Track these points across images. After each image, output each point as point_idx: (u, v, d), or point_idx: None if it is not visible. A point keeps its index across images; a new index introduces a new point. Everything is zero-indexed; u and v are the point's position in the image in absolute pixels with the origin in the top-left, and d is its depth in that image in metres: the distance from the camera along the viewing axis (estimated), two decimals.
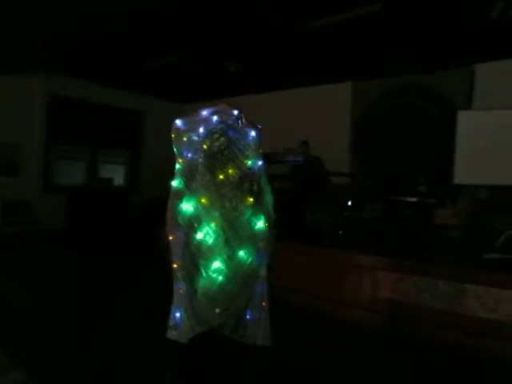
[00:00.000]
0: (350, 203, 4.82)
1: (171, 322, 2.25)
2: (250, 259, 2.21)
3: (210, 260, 2.13)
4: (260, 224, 2.24)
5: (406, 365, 3.04)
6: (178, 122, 2.27)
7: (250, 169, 2.25)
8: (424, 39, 5.47)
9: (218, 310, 2.16)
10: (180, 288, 2.21)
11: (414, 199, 5.52)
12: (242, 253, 2.21)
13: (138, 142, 9.62)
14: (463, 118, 5.27)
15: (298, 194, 5.09)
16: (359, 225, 4.75)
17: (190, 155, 2.22)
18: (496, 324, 3.15)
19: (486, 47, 5.61)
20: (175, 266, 2.22)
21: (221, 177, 2.18)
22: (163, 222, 6.60)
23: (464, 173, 5.17)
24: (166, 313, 2.23)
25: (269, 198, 2.30)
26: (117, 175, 9.38)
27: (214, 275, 2.14)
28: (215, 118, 2.21)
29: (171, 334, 2.25)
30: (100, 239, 7.48)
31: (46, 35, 5.85)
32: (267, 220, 2.26)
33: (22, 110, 7.70)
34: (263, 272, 2.27)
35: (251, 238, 2.21)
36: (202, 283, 2.15)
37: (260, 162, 2.30)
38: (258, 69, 6.97)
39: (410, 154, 6.50)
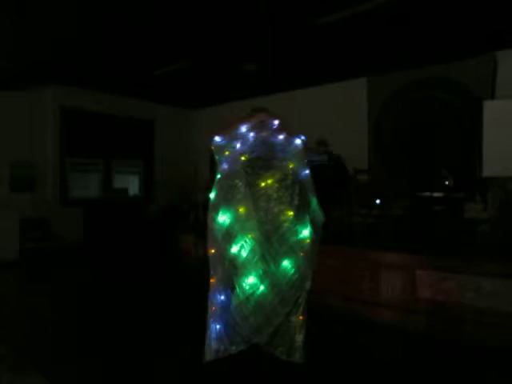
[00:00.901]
0: (378, 201, 4.67)
1: (209, 341, 2.14)
2: (293, 269, 2.10)
3: (244, 275, 2.03)
4: (305, 232, 2.14)
5: (448, 369, 2.89)
6: (218, 138, 2.20)
7: (293, 179, 2.15)
8: (439, 29, 5.31)
9: (254, 327, 2.04)
10: (218, 303, 2.10)
11: (440, 194, 5.37)
12: (286, 263, 2.10)
13: (150, 151, 9.57)
14: (489, 108, 5.11)
15: (323, 194, 4.94)
16: (389, 223, 4.60)
17: (226, 166, 2.13)
18: None
19: (506, 33, 5.43)
20: (212, 280, 2.13)
21: (260, 187, 2.09)
22: (181, 228, 6.48)
23: (492, 165, 5.01)
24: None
25: (315, 206, 2.20)
26: (131, 185, 9.34)
27: (250, 290, 2.04)
28: (252, 133, 2.13)
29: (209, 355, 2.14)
30: (118, 250, 7.44)
31: (54, 44, 5.81)
32: (313, 228, 2.16)
33: (34, 124, 7.69)
34: (308, 284, 2.15)
35: (295, 248, 2.11)
36: (236, 299, 2.04)
37: (307, 171, 2.21)
38: (273, 68, 6.86)
39: (433, 148, 6.32)
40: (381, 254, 3.81)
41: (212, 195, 2.19)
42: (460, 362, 3.00)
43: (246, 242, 2.05)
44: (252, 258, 2.04)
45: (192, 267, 5.63)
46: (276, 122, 2.18)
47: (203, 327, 2.14)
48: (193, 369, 2.64)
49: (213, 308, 2.12)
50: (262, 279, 2.05)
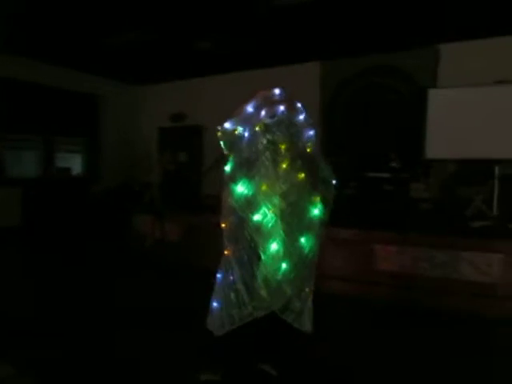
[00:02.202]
0: (334, 182, 4.92)
1: (215, 312, 2.21)
2: (308, 246, 2.23)
3: (268, 242, 2.11)
4: (316, 211, 2.25)
5: (409, 333, 3.22)
6: (227, 124, 2.21)
7: (308, 156, 2.25)
8: (390, 19, 5.62)
9: (279, 295, 2.16)
10: (231, 275, 2.17)
11: (388, 175, 5.78)
12: (303, 240, 2.22)
13: (95, 128, 9.10)
14: (433, 95, 5.55)
15: None
16: (344, 202, 4.88)
17: (246, 142, 2.16)
18: (489, 286, 3.43)
19: (450, 28, 5.89)
20: (227, 252, 2.18)
21: (283, 166, 2.16)
22: (135, 209, 6.33)
23: (435, 148, 5.46)
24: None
25: (324, 184, 2.30)
26: (75, 164, 8.88)
27: (276, 261, 2.13)
28: (263, 111, 2.17)
29: (213, 326, 2.21)
30: (61, 233, 7.08)
31: None
32: (324, 207, 2.28)
33: None
34: (315, 259, 2.29)
35: (309, 226, 2.23)
36: (262, 269, 2.13)
37: (312, 132, 2.30)
38: (228, 48, 6.82)
39: (381, 132, 6.74)
40: (341, 231, 4.07)
41: (228, 168, 2.22)
42: (416, 325, 3.35)
43: (269, 209, 2.12)
44: (275, 226, 2.12)
45: (153, 249, 5.57)
46: (277, 92, 2.24)
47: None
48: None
49: (228, 279, 2.17)
50: (285, 248, 2.15)
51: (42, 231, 7.20)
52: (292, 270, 2.18)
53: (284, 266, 2.17)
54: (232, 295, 2.13)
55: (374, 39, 6.35)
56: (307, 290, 2.29)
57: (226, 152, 2.26)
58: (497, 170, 5.03)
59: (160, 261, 5.32)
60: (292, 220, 2.18)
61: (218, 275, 2.26)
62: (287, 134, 2.23)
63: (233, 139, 2.20)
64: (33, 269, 5.28)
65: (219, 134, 2.23)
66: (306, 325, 2.29)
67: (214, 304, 2.25)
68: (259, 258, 2.15)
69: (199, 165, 8.73)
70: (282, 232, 2.14)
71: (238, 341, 2.33)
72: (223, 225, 2.23)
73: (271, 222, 2.12)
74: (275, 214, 2.13)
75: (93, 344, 2.95)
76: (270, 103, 2.22)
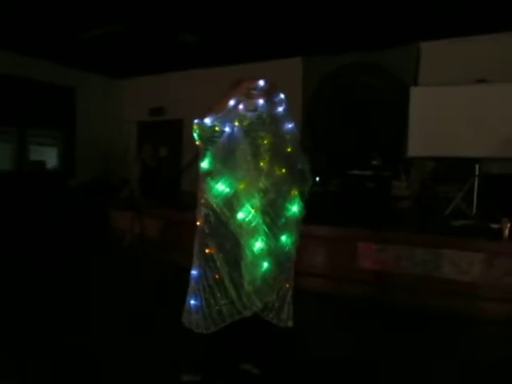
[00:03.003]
0: (317, 179, 4.89)
1: (197, 311, 2.12)
2: (289, 244, 2.18)
3: (252, 240, 2.05)
4: (295, 209, 2.20)
5: (388, 330, 3.21)
6: (207, 120, 2.11)
7: (289, 150, 2.18)
8: (372, 16, 5.62)
9: (263, 294, 2.10)
10: (216, 273, 2.09)
11: (370, 173, 5.78)
12: (283, 237, 2.16)
13: (72, 121, 8.82)
14: (415, 93, 5.56)
15: None
16: (328, 200, 4.87)
17: (226, 137, 2.07)
18: (470, 285, 3.45)
19: (430, 26, 5.92)
20: (208, 250, 2.09)
21: (264, 162, 2.10)
22: (112, 204, 6.16)
23: (416, 146, 5.48)
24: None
25: (305, 179, 2.25)
26: (50, 158, 8.59)
27: (260, 260, 2.07)
28: (241, 105, 2.10)
29: (195, 324, 2.13)
30: (35, 228, 6.83)
31: None
32: (302, 204, 2.22)
33: None
34: (294, 255, 2.24)
35: (289, 223, 2.18)
36: (249, 267, 2.06)
37: (291, 125, 2.24)
38: (213, 42, 6.70)
39: (363, 129, 6.75)
40: (325, 229, 4.03)
41: (205, 164, 2.12)
42: (397, 325, 3.34)
43: (253, 206, 2.05)
44: (258, 224, 2.06)
45: (132, 246, 5.43)
46: (261, 84, 2.16)
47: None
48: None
49: (213, 278, 2.09)
50: (268, 246, 2.10)
51: (15, 226, 6.94)
52: (274, 268, 2.14)
53: (266, 264, 2.12)
54: (218, 293, 2.05)
55: (356, 36, 6.35)
56: (287, 286, 2.26)
57: (201, 146, 2.16)
58: (477, 168, 5.08)
59: (139, 257, 5.19)
60: (273, 218, 2.14)
61: (194, 272, 2.16)
62: (268, 129, 2.18)
63: (210, 133, 2.10)
64: (4, 266, 5.05)
65: (195, 127, 2.13)
66: (287, 321, 2.25)
67: (192, 302, 2.15)
68: (245, 255, 2.08)
69: (179, 160, 8.59)
70: (265, 229, 2.08)
71: (218, 340, 2.25)
72: (198, 222, 2.14)
73: (255, 221, 2.05)
74: (257, 212, 2.06)
75: (66, 346, 2.82)
76: (249, 96, 2.14)
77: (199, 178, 2.14)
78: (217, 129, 2.08)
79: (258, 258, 2.07)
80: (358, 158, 6.09)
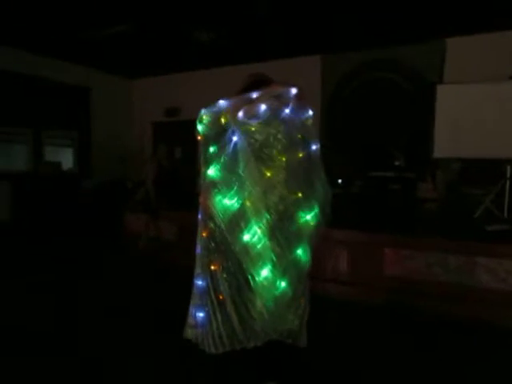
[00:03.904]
0: (340, 181, 4.69)
1: (204, 326, 1.92)
2: (305, 257, 1.97)
3: (257, 266, 1.83)
4: (308, 217, 1.99)
5: (417, 341, 3.00)
6: (206, 110, 1.92)
7: (303, 157, 1.97)
8: (395, 12, 5.39)
9: (283, 321, 1.89)
10: (221, 293, 1.89)
11: (392, 174, 5.55)
12: (299, 251, 1.95)
13: (86, 121, 8.76)
14: (441, 91, 5.31)
15: None
16: (352, 202, 4.65)
17: (234, 142, 1.87)
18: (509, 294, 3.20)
19: (457, 21, 5.65)
20: (214, 267, 1.89)
21: (268, 174, 1.89)
22: (126, 206, 5.99)
23: (443, 146, 5.24)
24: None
25: (321, 186, 2.03)
26: (65, 158, 8.54)
27: (275, 281, 1.85)
28: (263, 106, 1.88)
29: (202, 341, 1.93)
30: (51, 229, 6.77)
31: None
32: (319, 212, 2.01)
33: None
34: (309, 268, 2.04)
35: (303, 234, 1.96)
36: (259, 290, 1.85)
37: (316, 146, 2.02)
38: (228, 40, 6.54)
39: (385, 128, 6.50)
40: (349, 233, 3.83)
41: (212, 172, 1.92)
42: (428, 336, 3.12)
43: (260, 227, 1.84)
44: (267, 246, 1.85)
45: (147, 249, 5.30)
46: (294, 91, 1.95)
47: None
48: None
49: (218, 298, 1.89)
50: (278, 274, 1.88)
51: (33, 227, 6.90)
52: (293, 287, 1.92)
53: (283, 284, 1.89)
54: (222, 316, 1.86)
55: (377, 32, 6.10)
56: (303, 303, 2.02)
57: (202, 143, 1.95)
58: (508, 169, 4.82)
59: (155, 260, 5.05)
60: (284, 234, 1.90)
61: (199, 282, 1.95)
62: (277, 136, 1.95)
63: (216, 128, 1.90)
64: (23, 265, 4.98)
65: (202, 118, 1.92)
66: (302, 340, 2.03)
67: (200, 314, 1.94)
68: (249, 282, 1.86)
69: (194, 161, 8.44)
70: (272, 255, 1.86)
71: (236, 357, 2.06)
72: (204, 233, 1.94)
73: (260, 243, 1.83)
74: (264, 233, 1.84)
75: (79, 344, 2.69)
76: (282, 102, 1.91)
77: (204, 186, 1.94)
78: (223, 120, 1.87)
79: (264, 287, 1.84)
80: (381, 159, 5.85)
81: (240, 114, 1.90)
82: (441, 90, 5.29)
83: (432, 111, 5.28)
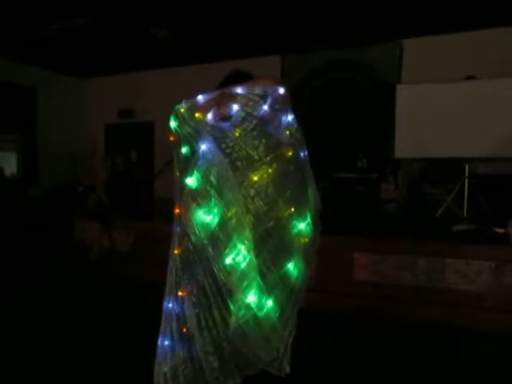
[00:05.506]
0: None
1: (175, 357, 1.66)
2: (296, 273, 1.74)
3: (242, 292, 1.58)
4: (301, 226, 1.77)
5: (388, 347, 2.88)
6: (184, 103, 1.67)
7: (290, 164, 1.76)
8: (353, 13, 5.36)
9: (268, 351, 1.65)
10: (185, 326, 1.63)
11: (355, 175, 5.49)
12: (290, 266, 1.73)
13: (32, 124, 8.13)
14: (401, 91, 5.30)
15: None
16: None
17: (205, 147, 1.63)
18: (477, 295, 3.16)
19: (413, 22, 5.69)
20: (181, 293, 1.62)
21: (255, 178, 1.66)
22: (77, 214, 5.53)
23: (403, 146, 5.23)
24: None
25: (312, 193, 1.83)
26: (8, 164, 7.89)
27: (251, 311, 1.60)
28: (235, 105, 1.66)
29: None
30: None
31: None
32: (312, 220, 1.80)
33: None
34: (304, 287, 1.82)
35: (295, 246, 1.74)
36: (234, 323, 1.59)
37: (302, 153, 1.82)
38: (187, 38, 6.25)
39: (346, 129, 6.45)
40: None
41: (191, 181, 1.65)
42: (399, 341, 3.01)
43: (244, 243, 1.59)
44: (252, 264, 1.60)
45: (100, 260, 4.90)
46: (281, 91, 1.75)
47: None
48: None
49: (181, 330, 1.62)
50: (264, 292, 1.64)
51: None
52: (277, 306, 1.68)
53: (269, 303, 1.66)
54: (181, 354, 1.61)
55: (336, 33, 6.06)
56: (290, 325, 1.80)
57: (176, 142, 1.70)
58: (467, 168, 4.87)
59: (108, 273, 4.67)
60: (272, 247, 1.68)
61: (169, 305, 1.69)
62: (254, 135, 1.76)
63: (192, 124, 1.66)
64: None
65: (178, 111, 1.67)
66: (285, 368, 1.79)
67: (166, 343, 1.68)
68: (227, 308, 1.62)
69: (151, 165, 8.07)
70: (258, 278, 1.62)
71: None
72: (176, 251, 1.68)
73: (245, 261, 1.59)
74: (248, 249, 1.61)
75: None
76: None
77: (181, 195, 1.68)
78: (197, 115, 1.64)
79: (246, 313, 1.60)
80: (343, 160, 5.79)
81: (209, 115, 1.70)
82: (400, 89, 5.29)
83: (392, 111, 5.27)
